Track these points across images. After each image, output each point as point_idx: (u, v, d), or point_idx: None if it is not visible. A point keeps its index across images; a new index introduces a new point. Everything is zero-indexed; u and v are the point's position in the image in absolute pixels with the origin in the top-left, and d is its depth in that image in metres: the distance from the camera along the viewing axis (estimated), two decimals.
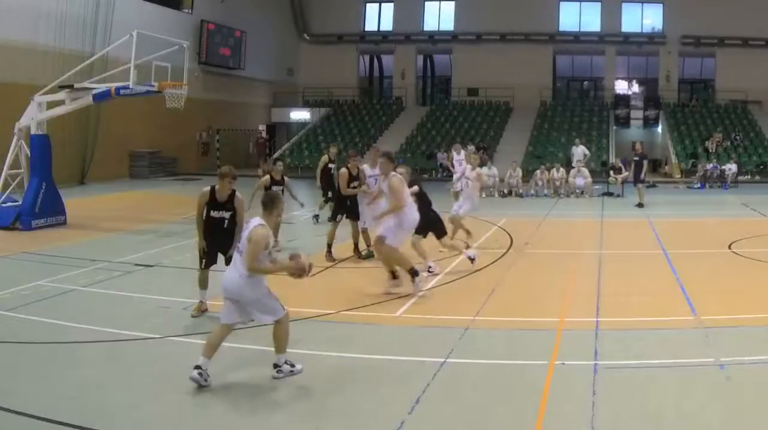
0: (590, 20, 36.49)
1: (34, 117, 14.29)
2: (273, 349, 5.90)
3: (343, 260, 10.88)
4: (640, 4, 36.05)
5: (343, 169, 11.16)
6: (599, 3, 36.28)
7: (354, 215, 11.08)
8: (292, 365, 5.95)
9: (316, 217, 15.48)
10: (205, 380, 5.63)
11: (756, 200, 19.73)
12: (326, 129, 35.01)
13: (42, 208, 14.06)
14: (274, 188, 10.90)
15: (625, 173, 22.06)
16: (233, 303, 5.84)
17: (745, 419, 4.99)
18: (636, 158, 19.49)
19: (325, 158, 14.45)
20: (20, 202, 14.36)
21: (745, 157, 28.89)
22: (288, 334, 5.94)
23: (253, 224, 5.80)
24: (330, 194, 13.76)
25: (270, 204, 5.97)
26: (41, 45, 21.43)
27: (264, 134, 34.37)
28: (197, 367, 5.64)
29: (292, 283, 8.99)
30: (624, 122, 33.56)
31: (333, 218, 11.27)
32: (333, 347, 6.67)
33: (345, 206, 11.13)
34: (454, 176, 17.55)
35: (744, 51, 33.44)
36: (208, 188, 7.68)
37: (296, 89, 38.46)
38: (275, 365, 5.89)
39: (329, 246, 10.96)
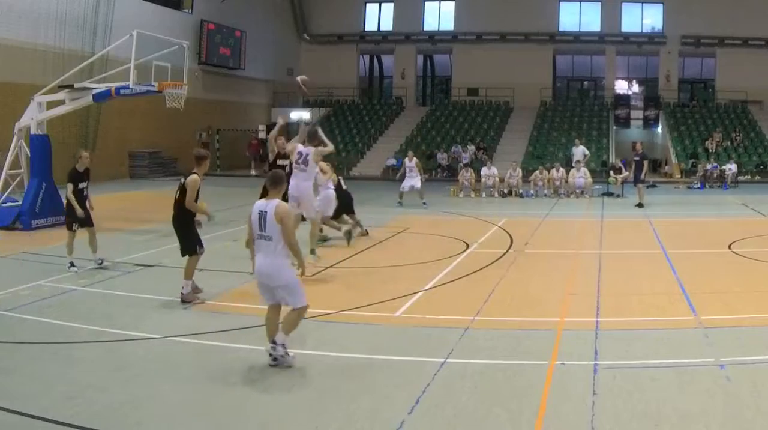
0: (590, 20, 36.50)
1: (34, 117, 14.29)
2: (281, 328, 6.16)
3: (344, 259, 10.87)
4: (640, 4, 36.05)
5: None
6: (599, 3, 36.27)
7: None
8: (288, 352, 6.08)
9: None
10: (284, 355, 6.02)
11: (756, 200, 19.74)
12: (326, 129, 34.81)
13: (42, 208, 14.06)
14: (80, 185, 10.29)
15: (625, 173, 22.05)
16: (266, 288, 6.21)
17: (745, 419, 4.99)
18: (636, 158, 19.49)
19: None
20: (20, 202, 14.36)
21: (745, 157, 28.90)
22: (299, 323, 6.26)
23: (274, 203, 6.13)
24: None
25: (281, 182, 6.41)
26: (41, 45, 21.43)
27: (259, 135, 34.36)
28: (273, 345, 6.05)
29: None
30: (624, 122, 33.57)
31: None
32: (333, 347, 6.67)
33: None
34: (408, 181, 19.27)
35: (744, 51, 33.44)
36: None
37: (296, 89, 38.36)
38: (273, 341, 6.06)
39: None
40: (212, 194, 21.66)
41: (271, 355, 6.05)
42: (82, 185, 10.37)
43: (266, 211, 6.08)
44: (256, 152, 32.49)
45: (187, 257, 8.50)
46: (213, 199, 19.86)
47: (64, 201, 10.76)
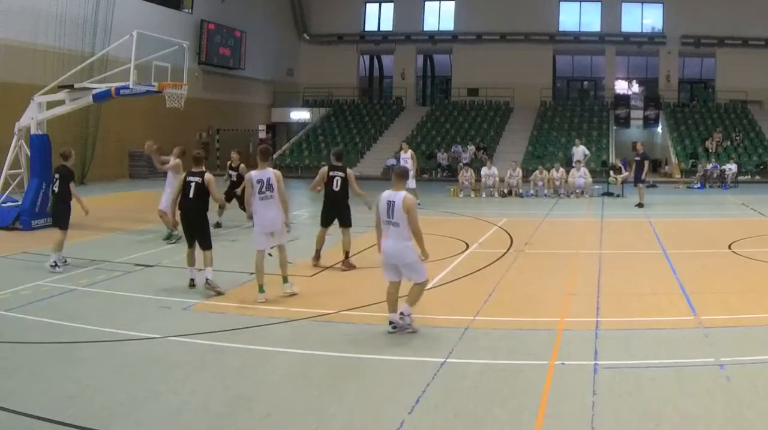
0: (590, 20, 36.54)
1: (34, 117, 14.29)
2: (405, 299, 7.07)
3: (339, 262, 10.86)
4: (640, 4, 36.08)
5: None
6: (599, 3, 36.32)
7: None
8: (411, 322, 7.01)
9: None
10: (409, 325, 6.95)
11: (756, 200, 19.74)
12: (326, 129, 35.03)
13: (42, 208, 14.04)
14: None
15: (625, 173, 22.08)
16: (392, 266, 7.05)
17: (745, 419, 4.99)
18: (637, 158, 19.50)
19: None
20: (20, 202, 14.36)
21: (745, 157, 28.90)
22: (422, 295, 7.11)
23: (402, 195, 6.94)
24: None
25: (406, 176, 7.45)
26: (41, 45, 21.44)
27: (262, 135, 34.33)
28: (391, 323, 6.94)
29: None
30: (624, 122, 33.59)
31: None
32: (333, 347, 6.67)
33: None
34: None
35: (744, 51, 33.48)
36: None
37: (296, 89, 38.47)
38: (401, 313, 7.01)
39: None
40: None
41: (391, 323, 6.98)
42: None
43: (394, 202, 6.92)
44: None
45: (188, 249, 9.09)
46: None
47: (53, 199, 10.79)
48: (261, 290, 8.39)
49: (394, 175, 7.30)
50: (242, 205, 14.02)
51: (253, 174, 8.53)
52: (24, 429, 4.93)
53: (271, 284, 8.62)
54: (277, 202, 8.52)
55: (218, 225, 14.05)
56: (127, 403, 5.32)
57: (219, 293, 8.61)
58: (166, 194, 12.36)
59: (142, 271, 10.19)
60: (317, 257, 10.53)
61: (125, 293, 8.74)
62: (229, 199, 14.13)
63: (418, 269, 7.05)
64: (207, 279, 8.68)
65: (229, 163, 15.02)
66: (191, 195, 8.85)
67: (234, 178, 14.31)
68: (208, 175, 8.92)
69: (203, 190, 8.86)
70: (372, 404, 5.35)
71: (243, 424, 5.04)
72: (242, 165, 14.37)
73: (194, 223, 8.96)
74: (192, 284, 8.97)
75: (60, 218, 10.37)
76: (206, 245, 8.93)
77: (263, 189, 8.44)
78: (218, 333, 7.09)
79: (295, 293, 8.58)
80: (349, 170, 10.41)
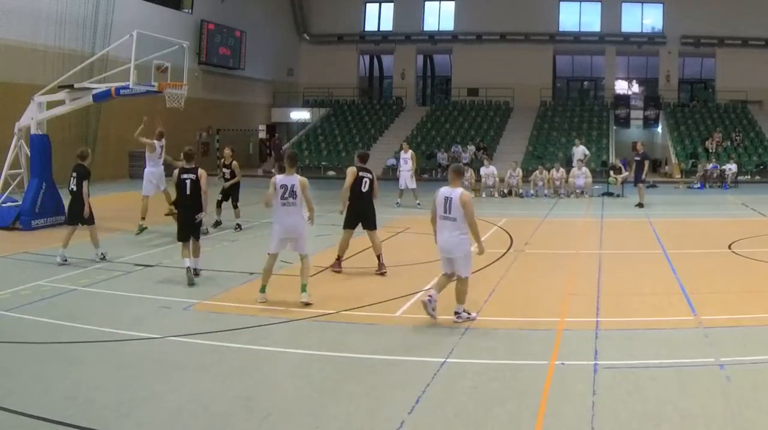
0: (590, 20, 36.53)
1: (34, 117, 14.29)
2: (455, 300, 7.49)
3: (344, 260, 10.86)
4: (640, 4, 36.07)
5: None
6: (599, 3, 36.30)
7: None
8: (469, 313, 7.52)
9: None
10: (433, 310, 7.29)
11: (756, 200, 19.74)
12: (326, 129, 35.02)
13: (42, 208, 14.06)
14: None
15: (625, 173, 22.08)
16: (448, 260, 7.53)
17: (745, 419, 4.99)
18: (637, 158, 19.50)
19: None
20: (20, 202, 14.35)
21: (745, 157, 28.90)
22: (467, 290, 7.50)
23: (459, 191, 7.41)
24: None
25: (463, 174, 8.00)
26: (41, 45, 21.43)
27: (262, 135, 34.33)
28: (430, 296, 7.36)
29: (289, 285, 9.01)
30: (624, 122, 33.59)
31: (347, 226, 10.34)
32: (333, 347, 6.67)
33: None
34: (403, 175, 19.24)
35: (744, 51, 33.46)
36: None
37: (296, 89, 38.46)
38: (455, 313, 7.43)
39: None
40: (213, 195, 21.65)
41: (428, 301, 7.37)
42: None
43: (452, 197, 7.36)
44: (279, 151, 32.45)
45: (192, 240, 9.62)
46: (212, 200, 19.89)
47: (67, 199, 11.06)
48: (262, 290, 8.37)
49: (450, 172, 7.67)
50: (236, 203, 14.12)
51: (278, 178, 8.34)
52: (24, 429, 4.93)
53: (272, 284, 8.62)
54: (299, 210, 8.36)
55: (218, 224, 14.08)
56: (127, 403, 5.32)
57: (191, 280, 9.15)
58: (146, 176, 14.37)
59: (142, 271, 10.18)
60: (338, 264, 10.10)
61: (125, 293, 8.74)
62: (226, 197, 14.19)
63: (467, 263, 7.50)
64: (194, 269, 9.40)
65: (221, 160, 15.06)
66: (188, 192, 9.40)
67: (227, 176, 14.38)
68: (200, 171, 9.48)
69: (199, 186, 9.40)
70: (372, 404, 5.35)
71: (243, 424, 5.04)
72: (234, 162, 14.50)
73: (192, 218, 9.46)
74: (191, 282, 9.02)
75: (83, 216, 10.69)
76: (199, 235, 9.80)
77: (286, 195, 8.25)
78: (218, 333, 7.09)
79: (310, 303, 8.24)
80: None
